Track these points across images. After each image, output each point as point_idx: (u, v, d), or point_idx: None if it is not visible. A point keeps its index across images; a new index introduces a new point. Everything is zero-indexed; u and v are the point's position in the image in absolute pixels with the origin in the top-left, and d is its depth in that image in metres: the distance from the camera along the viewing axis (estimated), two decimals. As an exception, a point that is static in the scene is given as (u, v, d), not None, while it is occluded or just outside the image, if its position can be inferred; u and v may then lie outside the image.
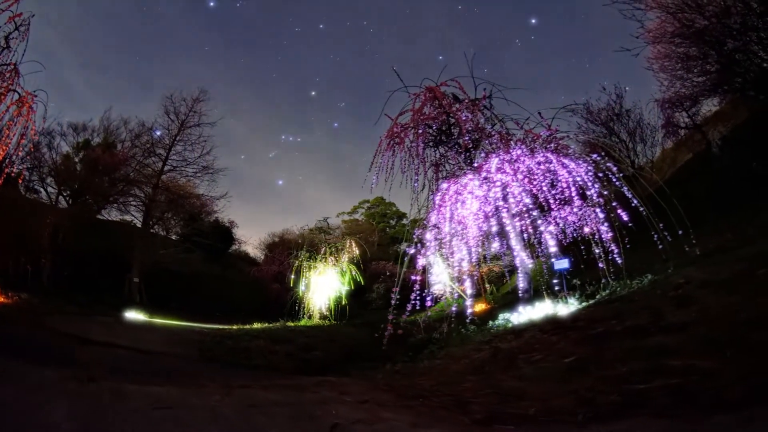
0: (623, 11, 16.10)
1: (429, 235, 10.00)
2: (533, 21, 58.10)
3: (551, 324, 7.15)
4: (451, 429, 3.39)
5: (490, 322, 9.77)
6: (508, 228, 9.85)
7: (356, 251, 23.01)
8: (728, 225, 11.14)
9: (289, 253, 24.71)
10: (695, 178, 18.26)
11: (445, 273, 11.75)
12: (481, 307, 16.63)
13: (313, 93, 75.51)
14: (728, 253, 8.02)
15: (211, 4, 58.88)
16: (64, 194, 22.66)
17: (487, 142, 11.35)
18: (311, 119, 77.34)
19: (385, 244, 37.78)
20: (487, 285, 20.70)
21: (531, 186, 9.94)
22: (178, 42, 68.09)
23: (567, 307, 8.77)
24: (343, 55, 72.03)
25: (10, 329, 8.59)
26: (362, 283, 22.64)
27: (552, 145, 10.86)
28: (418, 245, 9.90)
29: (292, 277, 21.96)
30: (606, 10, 16.82)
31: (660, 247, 9.37)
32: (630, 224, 9.82)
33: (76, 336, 8.76)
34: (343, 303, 21.50)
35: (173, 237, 29.20)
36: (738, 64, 14.99)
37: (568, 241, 11.88)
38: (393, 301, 9.40)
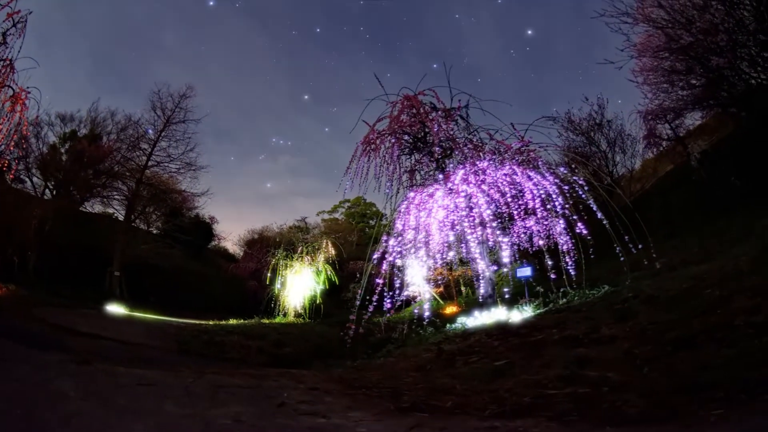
0: (610, 24, 16.07)
1: (393, 241, 10.28)
2: (529, 32, 58.69)
3: (498, 330, 7.60)
4: (377, 412, 3.97)
5: (448, 325, 10.23)
6: (470, 237, 10.07)
7: (332, 251, 23.51)
8: (700, 237, 11.53)
9: (267, 250, 25.06)
10: (675, 189, 18.61)
11: (419, 275, 11.88)
12: (452, 309, 17.09)
13: (306, 97, 75.39)
14: (689, 267, 8.33)
15: (211, 3, 58.53)
16: (50, 185, 22.76)
17: (458, 152, 11.56)
18: (303, 123, 77.19)
19: (363, 244, 37.94)
20: (462, 288, 21.13)
21: (496, 197, 10.29)
22: (175, 38, 67.61)
23: (521, 314, 9.14)
24: (337, 59, 71.95)
25: (7, 319, 9.20)
26: (337, 282, 23.05)
27: (522, 156, 11.15)
28: (387, 247, 10.18)
29: (269, 275, 22.41)
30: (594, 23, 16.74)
31: (622, 259, 9.50)
32: (589, 237, 10.01)
33: (64, 327, 9.36)
34: (318, 302, 21.92)
35: (154, 231, 29.17)
36: (725, 80, 15.12)
37: (534, 249, 11.88)
38: (357, 302, 9.85)
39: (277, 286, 22.12)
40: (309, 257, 22.90)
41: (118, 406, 3.43)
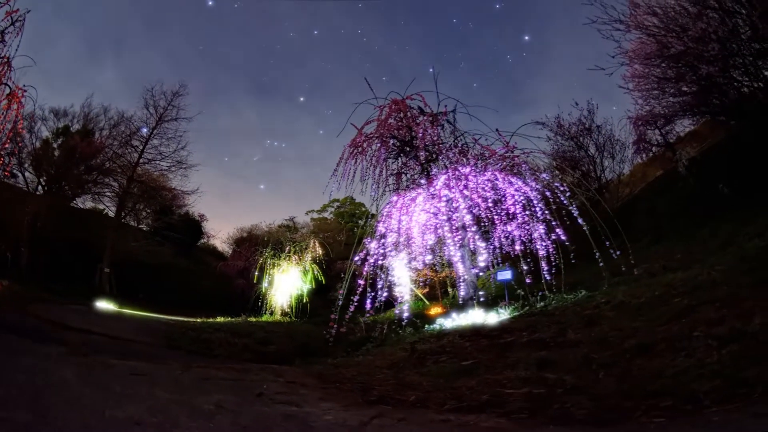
0: (602, 31, 15.77)
1: (374, 244, 10.55)
2: (526, 38, 59.03)
3: (472, 331, 7.81)
4: (346, 404, 4.34)
5: (426, 326, 10.43)
6: (450, 241, 10.25)
7: (319, 251, 23.81)
8: (685, 244, 11.56)
9: (256, 249, 25.28)
10: (663, 195, 18.58)
11: (402, 276, 12.05)
12: (436, 310, 17.30)
13: (302, 99, 75.18)
14: (668, 274, 8.31)
15: (210, 3, 58.38)
16: (42, 181, 22.80)
17: (443, 157, 11.82)
18: (298, 125, 77.05)
19: (352, 244, 37.93)
20: (449, 289, 21.30)
21: (477, 201, 10.45)
22: (173, 38, 67.35)
23: (497, 316, 9.37)
24: (334, 62, 71.85)
25: (7, 315, 9.53)
26: (323, 282, 23.33)
27: (507, 162, 11.37)
28: (368, 250, 10.50)
29: (257, 273, 22.72)
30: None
31: (601, 264, 9.67)
32: (568, 242, 10.32)
33: (58, 322, 9.66)
34: (305, 301, 22.22)
35: (144, 228, 29.29)
36: (717, 88, 14.82)
37: (516, 253, 11.64)
38: (339, 302, 10.16)
39: (265, 284, 22.45)
40: (296, 257, 23.18)
41: (114, 392, 3.88)
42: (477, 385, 4.51)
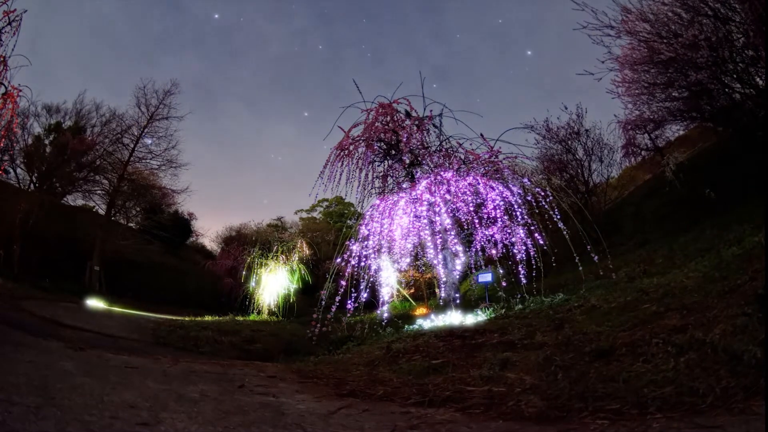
0: (592, 36, 15.84)
1: (357, 246, 10.77)
2: (529, 53, 59.44)
3: (447, 332, 7.97)
4: (319, 396, 4.71)
5: (406, 326, 10.63)
6: (430, 244, 10.51)
7: (307, 251, 24.05)
8: (669, 248, 11.65)
9: (244, 248, 25.52)
10: (650, 199, 18.93)
11: (385, 278, 12.16)
12: (421, 311, 17.56)
13: (306, 114, 75.36)
14: (644, 279, 8.43)
15: (216, 16, 58.78)
16: (33, 178, 22.96)
17: (427, 160, 12.02)
18: (303, 139, 76.84)
19: (341, 244, 38.08)
20: (436, 290, 21.30)
21: (458, 206, 10.64)
22: (176, 50, 67.29)
23: (475, 318, 9.57)
24: (337, 76, 72.01)
25: (4, 311, 9.88)
26: (310, 282, 23.55)
27: (489, 166, 11.51)
28: (351, 252, 10.70)
29: (245, 272, 22.94)
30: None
31: (580, 268, 9.90)
32: (545, 246, 10.57)
33: (52, 320, 10.09)
34: (292, 300, 22.38)
35: (133, 226, 29.35)
36: (706, 94, 14.90)
37: (498, 256, 11.91)
38: (322, 302, 10.41)
39: (252, 284, 22.63)
40: (284, 256, 23.38)
41: (110, 381, 4.32)
42: (443, 382, 4.68)
